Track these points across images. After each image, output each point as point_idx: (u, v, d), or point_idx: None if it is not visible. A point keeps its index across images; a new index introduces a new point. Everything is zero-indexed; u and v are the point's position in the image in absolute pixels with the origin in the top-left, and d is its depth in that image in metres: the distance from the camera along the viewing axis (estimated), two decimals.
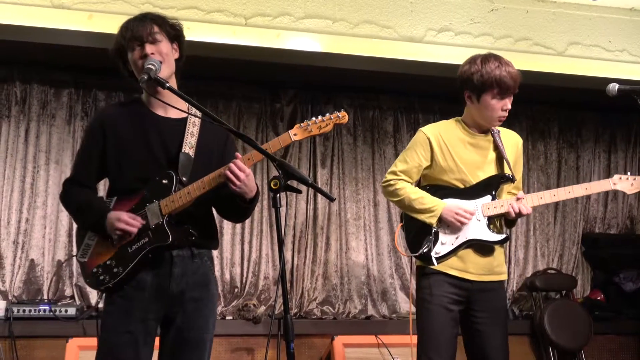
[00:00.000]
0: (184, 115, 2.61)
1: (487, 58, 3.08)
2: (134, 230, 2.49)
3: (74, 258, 4.85)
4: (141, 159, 2.56)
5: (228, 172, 2.45)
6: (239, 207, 2.59)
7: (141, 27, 2.54)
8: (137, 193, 2.54)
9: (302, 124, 2.52)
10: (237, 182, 2.45)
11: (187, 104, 2.58)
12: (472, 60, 3.11)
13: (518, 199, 3.10)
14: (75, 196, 2.64)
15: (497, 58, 3.08)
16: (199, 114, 2.61)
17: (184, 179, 2.54)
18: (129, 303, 2.51)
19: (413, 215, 3.16)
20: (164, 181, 2.53)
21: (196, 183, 2.50)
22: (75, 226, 2.78)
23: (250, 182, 2.51)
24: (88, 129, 2.71)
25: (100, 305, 4.75)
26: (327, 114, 2.54)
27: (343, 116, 2.56)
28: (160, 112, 2.62)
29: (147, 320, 2.52)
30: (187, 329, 2.57)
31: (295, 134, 2.51)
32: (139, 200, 2.54)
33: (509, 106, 3.08)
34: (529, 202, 3.10)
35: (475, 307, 3.11)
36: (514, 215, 3.09)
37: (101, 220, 2.52)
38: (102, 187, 3.48)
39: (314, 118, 2.53)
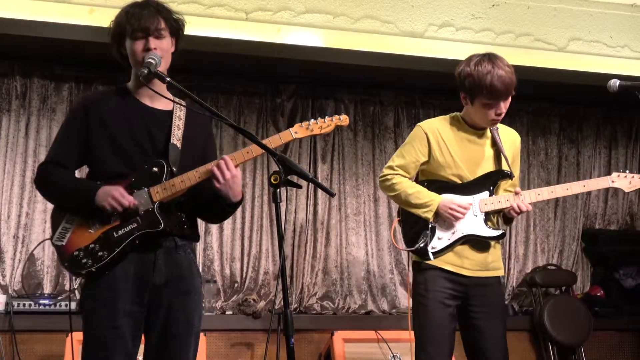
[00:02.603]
0: (169, 107, 2.61)
1: (480, 61, 3.02)
2: (126, 204, 2.44)
3: (49, 242, 4.78)
4: (125, 144, 2.53)
5: (215, 169, 2.46)
6: (219, 206, 2.58)
7: (149, 20, 2.51)
8: (122, 179, 2.51)
9: (304, 123, 2.54)
10: (222, 181, 2.45)
11: (172, 97, 2.59)
12: (467, 62, 3.08)
13: (516, 193, 3.10)
14: (58, 176, 2.57)
15: (491, 60, 3.00)
16: (183, 103, 2.62)
17: (174, 169, 2.53)
18: (113, 296, 2.47)
19: (409, 210, 3.16)
20: (154, 169, 2.52)
21: (191, 172, 2.49)
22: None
23: (235, 186, 2.50)
24: (71, 112, 2.68)
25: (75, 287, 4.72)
26: (328, 116, 2.56)
27: (344, 119, 2.59)
28: (146, 101, 2.61)
29: (132, 312, 2.48)
30: (171, 322, 2.53)
31: (296, 132, 2.53)
32: (126, 186, 2.50)
33: (503, 110, 3.04)
34: (527, 198, 3.10)
35: (473, 302, 3.11)
36: (515, 213, 3.09)
37: (91, 195, 2.46)
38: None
39: (313, 119, 2.54)
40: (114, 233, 2.49)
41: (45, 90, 5.12)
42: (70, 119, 2.66)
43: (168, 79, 2.43)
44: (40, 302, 4.56)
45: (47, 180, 2.60)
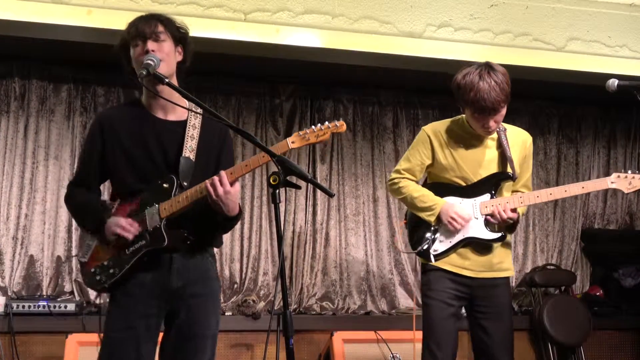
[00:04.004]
0: (183, 117, 2.61)
1: (470, 73, 3.00)
2: (129, 236, 2.51)
3: (75, 258, 4.86)
4: (140, 161, 2.56)
5: (208, 185, 2.45)
6: (216, 221, 2.59)
7: (146, 25, 2.54)
8: (137, 196, 2.56)
9: (301, 132, 2.50)
10: (214, 197, 2.44)
11: (187, 105, 2.58)
12: (460, 71, 3.07)
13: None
14: (76, 199, 2.67)
15: (481, 73, 2.97)
16: (199, 110, 2.60)
17: (185, 183, 2.55)
18: (130, 299, 2.53)
19: (415, 213, 3.22)
20: (164, 185, 2.54)
21: (194, 188, 2.50)
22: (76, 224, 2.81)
23: (229, 202, 2.47)
24: (88, 131, 2.73)
25: (99, 301, 4.77)
26: (326, 123, 2.51)
27: (341, 125, 2.52)
28: (159, 114, 2.62)
29: (149, 316, 2.53)
30: (188, 324, 2.57)
31: (293, 142, 2.49)
32: (139, 202, 2.56)
33: (491, 124, 3.03)
34: (526, 200, 3.10)
35: (478, 302, 3.15)
36: (498, 220, 3.08)
37: (100, 227, 2.56)
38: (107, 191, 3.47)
39: (312, 127, 2.50)
40: (126, 250, 2.54)
41: (43, 91, 5.12)
42: (87, 138, 2.71)
43: (167, 80, 2.42)
44: (40, 303, 4.56)
45: (68, 203, 2.73)
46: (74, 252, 4.95)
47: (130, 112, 2.64)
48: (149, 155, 2.56)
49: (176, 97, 2.50)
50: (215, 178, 2.45)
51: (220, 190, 2.44)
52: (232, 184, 2.46)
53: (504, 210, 3.05)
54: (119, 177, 2.60)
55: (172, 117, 2.63)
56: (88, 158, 2.66)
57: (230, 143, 2.77)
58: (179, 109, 2.59)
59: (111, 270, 2.54)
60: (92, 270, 2.58)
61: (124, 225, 2.51)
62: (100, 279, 2.55)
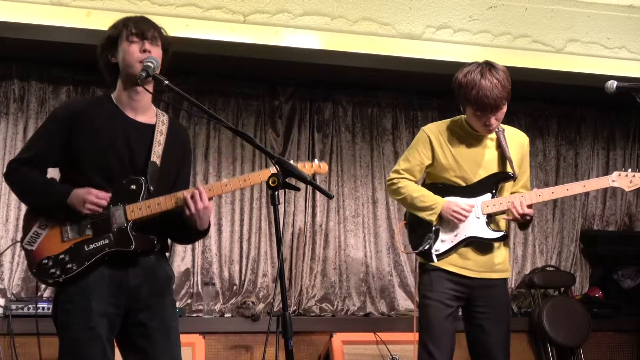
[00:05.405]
0: (152, 122, 2.62)
1: (471, 71, 3.03)
2: (104, 204, 2.46)
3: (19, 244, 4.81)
4: (105, 158, 2.52)
5: (188, 199, 2.49)
6: (186, 232, 2.61)
7: (146, 25, 2.57)
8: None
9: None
10: (193, 211, 2.48)
11: (155, 111, 2.64)
12: (461, 70, 3.10)
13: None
14: (29, 175, 2.54)
15: (482, 71, 3.00)
16: (166, 121, 2.64)
17: (152, 188, 2.53)
18: (88, 298, 2.45)
19: (415, 213, 3.21)
20: (132, 186, 2.52)
21: (168, 196, 2.50)
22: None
23: (205, 217, 2.54)
24: (54, 116, 2.62)
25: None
26: (308, 162, 2.65)
27: (323, 167, 2.69)
28: (130, 113, 2.60)
29: (108, 314, 2.47)
30: (150, 324, 2.54)
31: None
32: None
33: (492, 122, 3.05)
34: (527, 200, 3.10)
35: (477, 303, 3.15)
36: (515, 217, 3.08)
37: (64, 196, 2.46)
38: None
39: (292, 162, 2.51)
40: (85, 246, 2.48)
41: (43, 93, 5.11)
42: (52, 121, 2.62)
43: (166, 82, 2.43)
44: (39, 305, 4.55)
45: (18, 178, 2.58)
46: None
47: (101, 108, 2.60)
48: (116, 154, 2.53)
49: (148, 99, 2.58)
50: (195, 193, 2.48)
51: (200, 205, 2.48)
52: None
53: (520, 206, 3.05)
54: (82, 172, 2.52)
55: (141, 119, 2.61)
56: (49, 141, 2.55)
57: (190, 151, 2.83)
58: (149, 112, 2.61)
59: (68, 266, 2.45)
60: (44, 261, 2.47)
61: (98, 194, 2.45)
62: (54, 272, 2.46)
